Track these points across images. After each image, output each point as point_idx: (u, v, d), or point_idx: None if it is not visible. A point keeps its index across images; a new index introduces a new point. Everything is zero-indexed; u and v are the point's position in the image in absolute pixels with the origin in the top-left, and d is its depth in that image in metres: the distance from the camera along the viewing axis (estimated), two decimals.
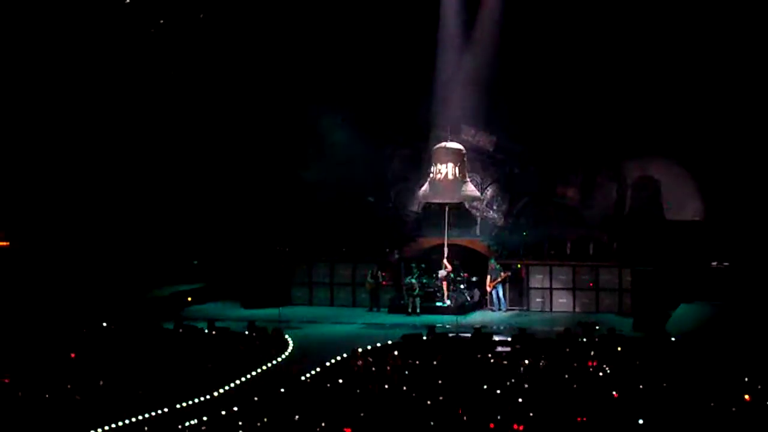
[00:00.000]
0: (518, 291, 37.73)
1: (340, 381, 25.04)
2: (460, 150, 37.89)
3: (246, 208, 40.25)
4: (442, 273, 37.39)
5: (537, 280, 37.59)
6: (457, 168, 37.58)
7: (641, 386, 23.76)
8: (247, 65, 39.91)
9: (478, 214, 39.87)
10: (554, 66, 38.03)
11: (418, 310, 36.89)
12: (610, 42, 37.35)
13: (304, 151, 39.94)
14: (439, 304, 37.22)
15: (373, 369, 26.46)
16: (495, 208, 39.86)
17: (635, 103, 37.47)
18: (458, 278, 37.79)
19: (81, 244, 38.39)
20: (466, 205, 39.23)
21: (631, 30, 37.13)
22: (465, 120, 39.55)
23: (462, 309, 36.75)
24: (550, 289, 37.40)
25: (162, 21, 39.50)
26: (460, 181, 37.78)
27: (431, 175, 37.97)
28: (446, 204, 37.92)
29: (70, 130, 38.75)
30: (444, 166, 37.66)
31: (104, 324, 32.53)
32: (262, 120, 40.19)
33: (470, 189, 38.32)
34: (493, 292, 37.48)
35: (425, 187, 38.38)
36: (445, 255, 37.46)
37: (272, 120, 40.28)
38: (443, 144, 37.94)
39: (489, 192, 39.98)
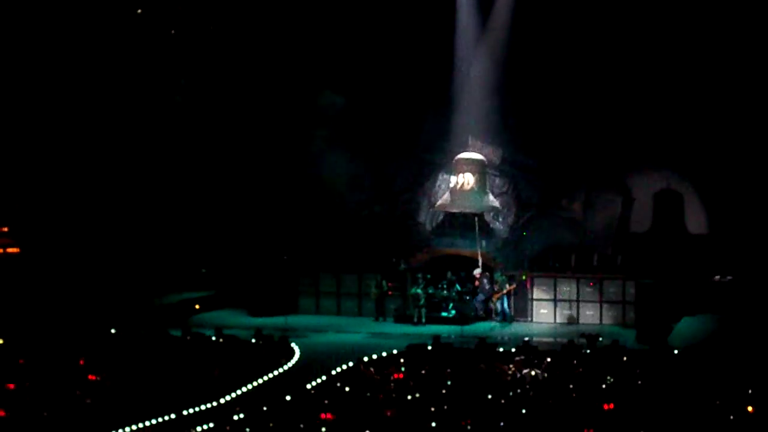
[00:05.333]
0: (523, 302, 37.80)
1: (347, 389, 25.30)
2: (481, 160, 38.36)
3: (255, 217, 40.42)
4: (477, 271, 37.60)
5: (541, 291, 37.67)
6: (476, 178, 38.03)
7: (644, 397, 24.03)
8: (254, 73, 40.23)
9: (492, 225, 40.03)
10: (563, 80, 38.21)
11: (423, 320, 37.06)
12: (619, 57, 37.54)
13: (312, 162, 40.05)
14: (444, 314, 37.40)
15: (378, 378, 26.72)
16: (501, 220, 39.96)
17: (642, 117, 37.60)
18: (464, 289, 37.99)
19: (91, 251, 38.59)
20: (485, 216, 39.43)
21: (640, 44, 37.29)
22: (472, 132, 39.60)
23: (467, 319, 36.95)
24: (555, 300, 37.52)
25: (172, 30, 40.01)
26: (480, 191, 38.20)
27: (451, 184, 38.37)
28: (468, 213, 38.28)
29: (80, 137, 39.03)
30: (463, 176, 38.14)
31: (112, 330, 32.86)
32: (271, 129, 40.39)
33: (491, 199, 38.82)
34: (498, 303, 37.58)
35: (446, 196, 38.81)
36: (480, 263, 37.71)
37: (280, 131, 40.46)
38: (464, 154, 38.37)
39: (495, 204, 40.07)
